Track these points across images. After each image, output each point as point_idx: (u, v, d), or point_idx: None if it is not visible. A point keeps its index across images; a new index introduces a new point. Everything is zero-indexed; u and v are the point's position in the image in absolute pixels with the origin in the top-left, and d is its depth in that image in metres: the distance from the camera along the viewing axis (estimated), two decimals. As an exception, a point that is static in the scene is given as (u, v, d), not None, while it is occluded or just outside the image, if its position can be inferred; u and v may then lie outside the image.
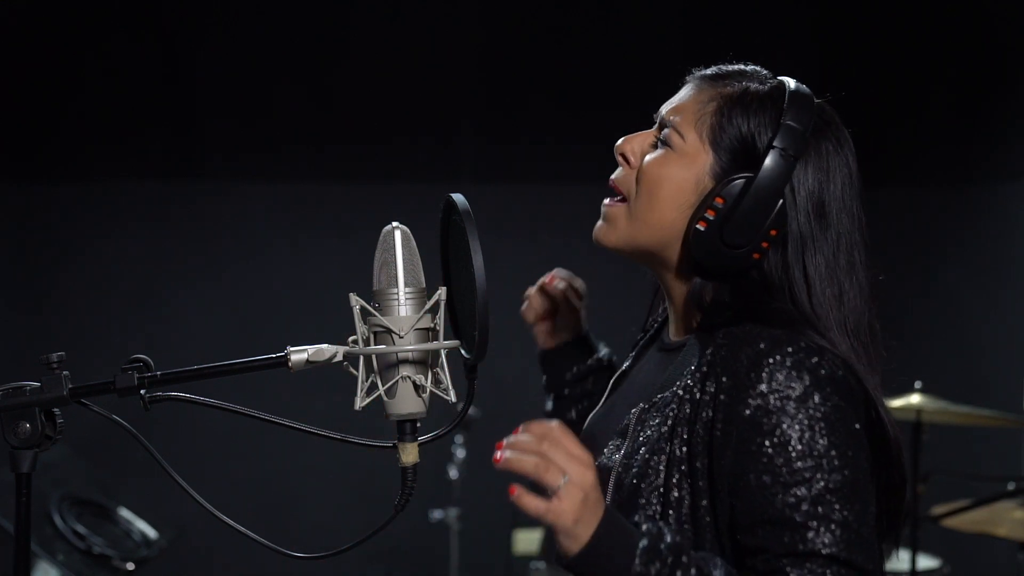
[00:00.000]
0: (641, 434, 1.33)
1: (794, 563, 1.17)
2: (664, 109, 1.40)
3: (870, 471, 1.24)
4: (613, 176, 1.41)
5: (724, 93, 1.35)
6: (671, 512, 1.26)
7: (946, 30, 4.63)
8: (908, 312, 4.52)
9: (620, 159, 1.41)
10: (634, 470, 1.30)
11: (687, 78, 1.42)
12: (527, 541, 4.18)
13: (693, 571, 1.15)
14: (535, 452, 1.15)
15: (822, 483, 1.18)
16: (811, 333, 1.26)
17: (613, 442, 1.38)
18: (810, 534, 1.17)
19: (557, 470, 1.14)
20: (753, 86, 1.35)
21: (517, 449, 1.16)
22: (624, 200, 1.39)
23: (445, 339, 1.20)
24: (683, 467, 1.26)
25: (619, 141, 1.42)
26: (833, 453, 1.20)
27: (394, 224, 1.21)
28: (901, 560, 3.47)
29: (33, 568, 2.81)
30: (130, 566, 2.97)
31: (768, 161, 1.28)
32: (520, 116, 4.87)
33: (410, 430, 1.22)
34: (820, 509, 1.18)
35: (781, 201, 1.29)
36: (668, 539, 1.16)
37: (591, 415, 1.54)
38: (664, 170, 1.35)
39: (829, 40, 4.83)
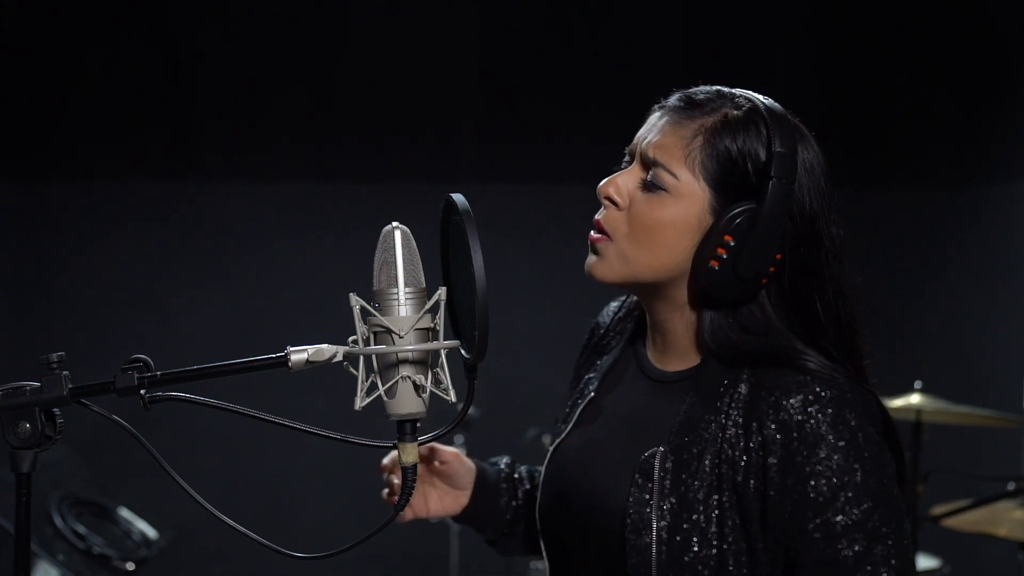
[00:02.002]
0: (681, 486, 1.31)
1: None
2: (642, 145, 1.36)
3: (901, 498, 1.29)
4: (598, 216, 1.38)
5: (706, 125, 1.33)
6: (729, 563, 1.27)
7: (946, 30, 4.63)
8: (908, 312, 4.52)
9: (606, 203, 1.38)
10: (684, 528, 1.29)
11: (655, 109, 1.39)
12: (527, 541, 4.17)
13: None
14: None
15: (860, 517, 1.23)
16: (840, 376, 1.29)
17: (634, 485, 1.33)
18: (867, 564, 1.22)
19: None
20: (731, 112, 1.33)
21: None
22: (614, 243, 1.36)
23: (445, 339, 1.20)
24: (736, 517, 1.28)
25: (601, 183, 1.39)
26: (868, 492, 1.24)
27: (394, 224, 1.21)
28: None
29: (33, 568, 2.81)
30: (130, 566, 2.98)
31: (770, 191, 1.28)
32: (520, 116, 4.87)
33: (410, 430, 1.22)
34: (867, 541, 1.22)
35: (783, 226, 1.30)
36: None
37: (558, 442, 1.50)
38: (662, 214, 1.33)
39: (829, 40, 4.83)
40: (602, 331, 1.60)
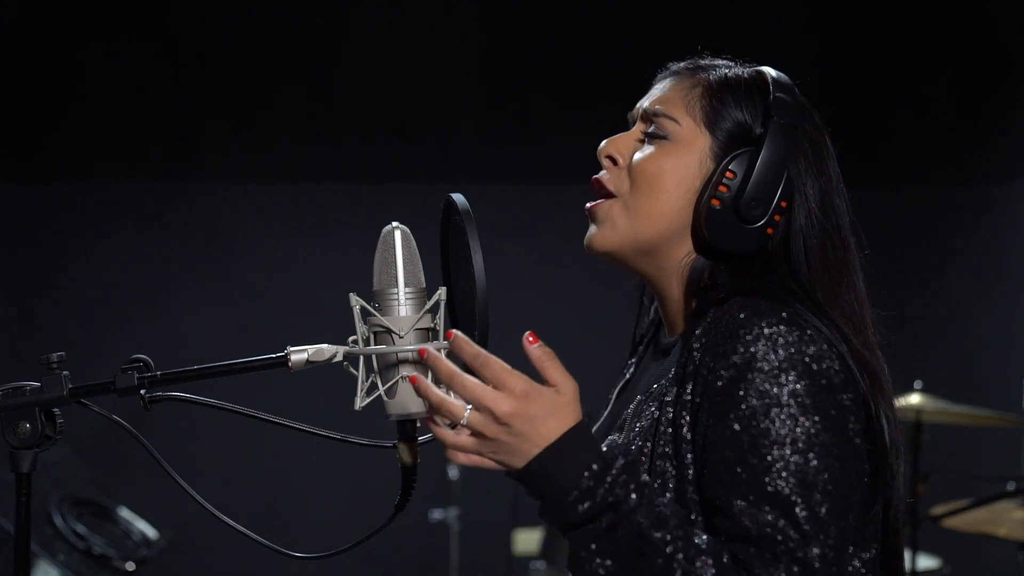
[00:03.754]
0: (637, 424, 1.31)
1: (751, 554, 1.13)
2: (645, 103, 1.38)
3: (851, 463, 1.19)
4: (598, 176, 1.37)
5: (706, 78, 1.35)
6: (655, 476, 1.24)
7: (946, 30, 4.63)
8: (908, 312, 4.51)
9: (607, 161, 1.37)
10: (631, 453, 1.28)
11: (659, 74, 1.41)
12: (527, 541, 4.18)
13: (641, 497, 1.12)
14: (447, 382, 1.13)
15: (788, 468, 1.15)
16: (800, 308, 1.23)
17: (610, 437, 1.36)
18: (768, 529, 1.13)
19: (458, 406, 1.12)
20: (734, 70, 1.36)
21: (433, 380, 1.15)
22: (611, 197, 1.35)
23: (445, 339, 1.20)
24: (668, 448, 1.24)
25: (602, 144, 1.38)
26: (795, 441, 1.15)
27: (394, 224, 1.21)
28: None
29: (33, 568, 2.81)
30: (130, 566, 2.98)
31: (771, 131, 1.28)
32: (520, 116, 4.87)
33: (410, 430, 1.22)
34: (784, 495, 1.14)
35: (786, 172, 1.29)
36: (621, 460, 1.14)
37: (595, 427, 1.51)
38: (664, 161, 1.32)
39: (829, 40, 4.83)
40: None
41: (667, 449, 1.24)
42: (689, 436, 1.22)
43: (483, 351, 1.13)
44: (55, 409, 1.22)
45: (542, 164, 4.87)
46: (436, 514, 4.19)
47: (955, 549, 3.94)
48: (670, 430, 1.24)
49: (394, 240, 1.20)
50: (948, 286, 4.54)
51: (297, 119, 4.84)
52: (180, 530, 3.31)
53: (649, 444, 1.26)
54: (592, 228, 1.37)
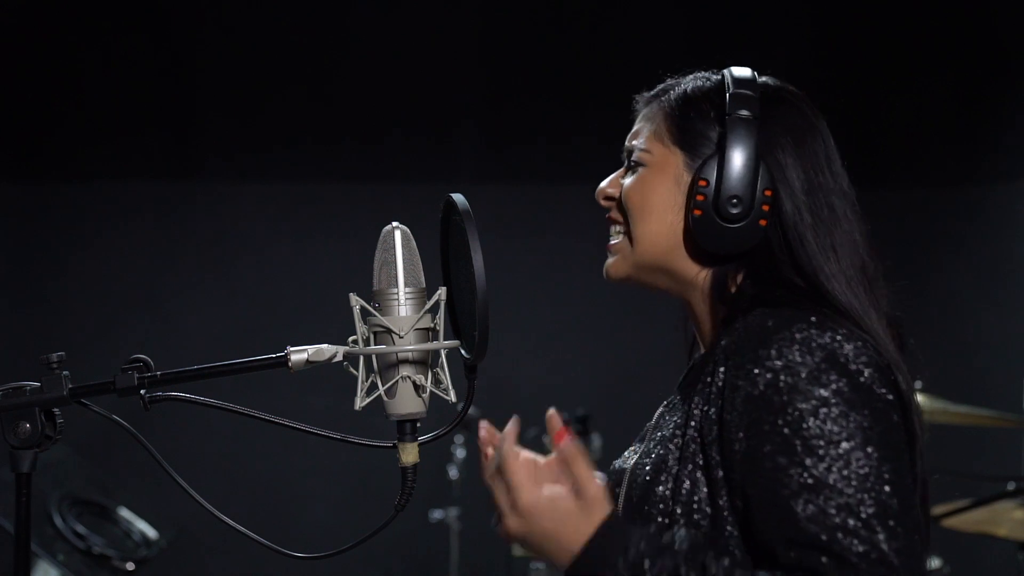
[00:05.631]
0: (658, 433, 1.32)
1: (824, 564, 1.11)
2: (626, 144, 1.43)
3: (904, 453, 1.19)
4: (609, 213, 1.42)
5: (667, 100, 1.38)
6: (681, 507, 1.23)
7: (946, 29, 4.63)
8: (908, 312, 4.51)
9: (605, 202, 1.42)
10: (647, 467, 1.29)
11: (634, 109, 1.44)
12: (527, 541, 4.17)
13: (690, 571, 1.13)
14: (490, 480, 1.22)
15: (850, 466, 1.13)
16: (827, 311, 1.24)
17: (632, 447, 1.37)
18: (839, 533, 1.11)
19: (501, 498, 1.21)
20: (694, 83, 1.38)
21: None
22: (623, 232, 1.40)
23: (445, 339, 1.20)
24: (697, 459, 1.24)
25: (600, 185, 1.43)
26: (851, 438, 1.14)
27: (394, 224, 1.21)
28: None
29: (33, 568, 2.81)
30: (130, 566, 2.98)
31: (730, 127, 1.30)
32: (520, 116, 4.86)
33: (410, 430, 1.22)
34: (849, 494, 1.12)
35: (763, 163, 1.29)
36: (656, 543, 1.15)
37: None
38: (643, 187, 1.36)
39: (828, 40, 4.83)
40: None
41: (695, 462, 1.24)
42: (718, 450, 1.21)
43: (510, 456, 1.20)
44: (55, 409, 1.22)
45: (542, 164, 4.87)
46: (436, 514, 4.18)
47: (955, 549, 3.94)
48: (697, 439, 1.24)
49: (394, 240, 1.20)
50: (948, 286, 4.54)
51: (297, 119, 4.83)
52: (180, 530, 3.31)
53: (670, 455, 1.27)
54: (608, 259, 1.42)
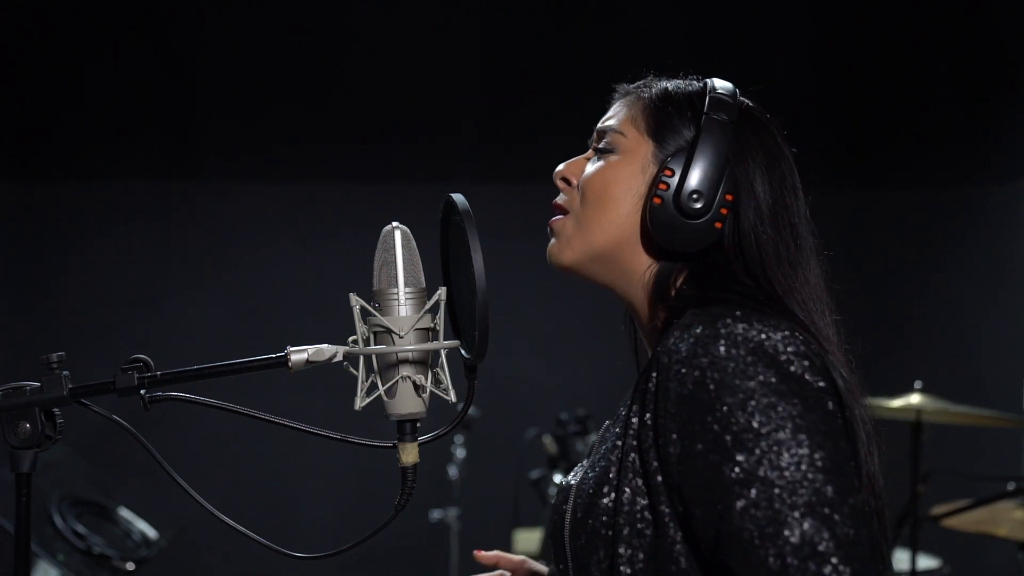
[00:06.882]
0: (603, 447, 1.31)
1: (752, 562, 1.09)
2: (598, 126, 1.43)
3: (841, 440, 1.15)
4: (556, 200, 1.42)
5: (649, 92, 1.39)
6: (624, 517, 1.21)
7: (946, 30, 4.63)
8: (908, 312, 4.52)
9: (561, 183, 1.42)
10: (591, 480, 1.27)
11: (613, 97, 1.45)
12: (527, 541, 4.17)
13: None
14: None
15: (781, 457, 1.11)
16: (755, 305, 1.23)
17: (581, 463, 1.36)
18: (769, 528, 1.09)
19: None
20: (678, 84, 1.40)
21: None
22: (566, 214, 1.39)
23: (445, 339, 1.20)
24: (636, 467, 1.22)
25: (558, 167, 1.43)
26: (779, 428, 1.12)
27: (394, 224, 1.21)
28: (901, 560, 3.47)
29: (33, 568, 2.81)
30: (130, 566, 2.98)
31: (704, 125, 1.31)
32: (520, 116, 4.87)
33: (410, 430, 1.22)
34: (782, 486, 1.10)
35: (731, 168, 1.30)
36: None
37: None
38: (607, 172, 1.36)
39: (828, 41, 4.83)
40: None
41: (635, 469, 1.22)
42: (654, 454, 1.19)
43: None
44: (55, 409, 1.22)
45: (542, 164, 4.83)
46: (436, 514, 4.19)
47: (955, 549, 3.94)
48: (634, 446, 1.22)
49: (394, 240, 1.20)
50: (948, 286, 4.54)
51: (297, 119, 4.84)
52: (180, 530, 3.31)
53: (611, 468, 1.25)
54: (551, 242, 1.42)
